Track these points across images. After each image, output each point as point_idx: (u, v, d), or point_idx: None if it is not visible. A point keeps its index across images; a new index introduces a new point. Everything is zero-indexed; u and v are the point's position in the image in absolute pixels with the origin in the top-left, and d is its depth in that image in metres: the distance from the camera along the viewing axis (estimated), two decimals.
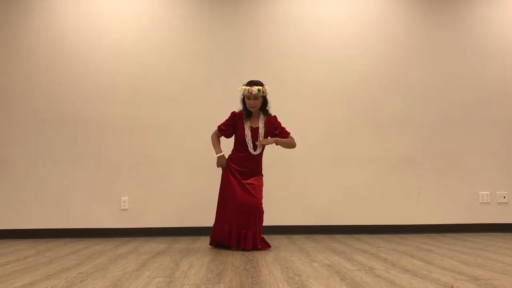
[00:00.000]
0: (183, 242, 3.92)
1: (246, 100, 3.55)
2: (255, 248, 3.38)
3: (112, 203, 4.53)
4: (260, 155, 3.66)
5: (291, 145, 3.61)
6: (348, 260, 2.89)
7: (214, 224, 3.60)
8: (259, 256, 3.10)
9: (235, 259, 2.98)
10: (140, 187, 4.55)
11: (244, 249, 3.37)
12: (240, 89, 3.54)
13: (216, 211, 3.59)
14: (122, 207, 4.53)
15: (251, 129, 3.57)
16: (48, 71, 4.65)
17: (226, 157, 3.65)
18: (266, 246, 3.53)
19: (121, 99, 4.65)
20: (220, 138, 3.71)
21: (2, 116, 4.58)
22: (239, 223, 3.40)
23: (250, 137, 3.55)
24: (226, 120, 3.65)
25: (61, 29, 4.70)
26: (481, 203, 4.73)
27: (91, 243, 3.97)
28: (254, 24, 4.83)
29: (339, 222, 4.60)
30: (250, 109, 3.56)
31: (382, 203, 4.67)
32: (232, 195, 3.46)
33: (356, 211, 4.63)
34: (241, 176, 3.54)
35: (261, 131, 3.57)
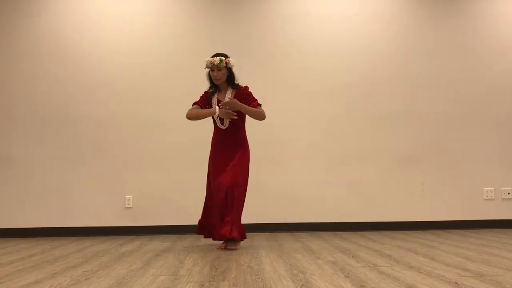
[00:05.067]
0: (187, 240, 3.93)
1: (210, 73, 3.44)
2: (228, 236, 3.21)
3: (116, 202, 4.55)
4: (237, 128, 3.46)
5: (257, 114, 3.40)
6: (352, 257, 2.89)
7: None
8: (263, 253, 3.11)
9: (239, 256, 2.98)
10: (144, 185, 4.56)
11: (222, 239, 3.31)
12: (204, 62, 3.43)
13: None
14: (126, 205, 4.54)
15: (218, 102, 3.44)
16: (52, 70, 4.66)
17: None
18: (241, 237, 3.37)
19: (125, 97, 4.66)
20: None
21: (7, 115, 4.60)
22: (217, 212, 3.30)
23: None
24: (201, 98, 3.55)
25: (64, 28, 4.71)
26: (485, 199, 4.71)
27: (95, 241, 3.98)
28: (257, 21, 4.83)
29: (343, 219, 4.60)
30: (214, 81, 3.44)
31: (386, 200, 4.66)
32: (209, 185, 3.49)
33: (360, 208, 4.63)
34: (225, 154, 3.41)
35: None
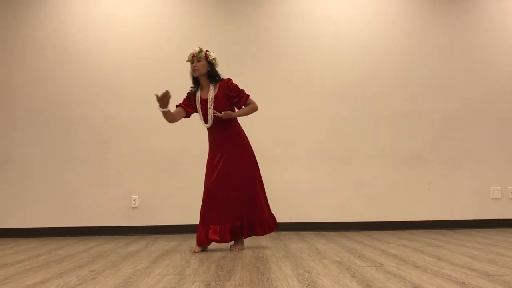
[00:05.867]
0: (193, 240, 3.93)
1: (190, 65, 3.37)
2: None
3: (122, 201, 4.56)
4: (226, 125, 3.34)
5: (251, 111, 3.35)
6: (358, 256, 2.88)
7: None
8: (269, 253, 3.11)
9: (245, 256, 2.98)
10: (150, 185, 4.58)
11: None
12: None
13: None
14: (132, 205, 4.55)
15: (201, 100, 3.37)
16: (56, 70, 4.69)
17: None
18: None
19: (131, 97, 4.67)
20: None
21: (12, 116, 4.63)
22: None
23: (199, 109, 3.37)
24: (184, 99, 3.48)
25: (67, 28, 4.73)
26: (492, 198, 4.69)
27: (101, 241, 4.00)
28: (260, 21, 4.83)
29: (349, 219, 4.59)
30: (193, 73, 3.35)
31: (391, 199, 4.65)
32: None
33: (365, 208, 4.62)
34: (219, 153, 3.33)
35: (211, 102, 3.30)
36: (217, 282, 2.14)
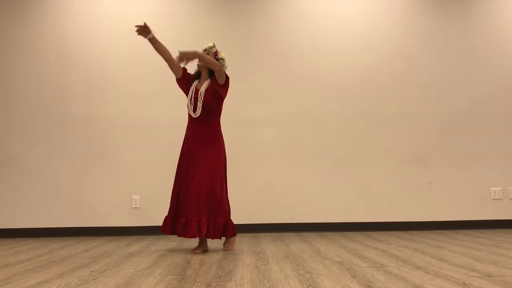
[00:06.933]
0: (194, 241, 3.93)
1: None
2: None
3: (123, 202, 4.56)
4: (211, 119, 3.36)
5: (214, 64, 3.24)
6: (359, 257, 2.88)
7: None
8: (270, 253, 3.11)
9: (246, 256, 2.98)
10: (151, 185, 4.58)
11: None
12: None
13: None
14: (133, 206, 4.56)
15: (195, 90, 3.36)
16: (60, 70, 4.69)
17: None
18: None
19: (132, 97, 4.68)
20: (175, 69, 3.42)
21: (14, 116, 4.63)
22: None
23: (191, 97, 3.35)
24: (187, 72, 3.48)
25: (69, 28, 4.73)
26: (493, 199, 4.68)
27: (103, 241, 4.00)
28: (263, 20, 4.83)
29: (350, 219, 4.59)
30: (198, 66, 3.38)
31: (393, 200, 4.64)
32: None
33: (366, 208, 4.62)
34: (195, 146, 3.32)
35: (201, 95, 3.30)
36: (218, 283, 2.14)
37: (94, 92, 4.68)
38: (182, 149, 3.47)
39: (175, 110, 4.64)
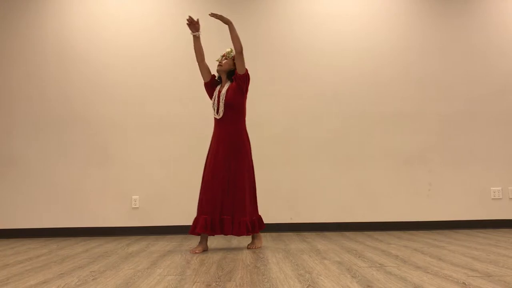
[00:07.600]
0: (193, 240, 3.93)
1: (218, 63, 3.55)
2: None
3: (123, 202, 4.56)
4: (234, 120, 3.44)
5: (239, 42, 3.40)
6: (359, 257, 2.88)
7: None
8: (270, 253, 3.11)
9: (245, 256, 2.98)
10: (150, 185, 4.58)
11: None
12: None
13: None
14: (133, 206, 4.55)
15: (218, 93, 3.49)
16: (58, 70, 4.69)
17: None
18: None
19: (131, 98, 4.68)
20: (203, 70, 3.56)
21: (14, 116, 4.63)
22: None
23: (215, 100, 3.46)
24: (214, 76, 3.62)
25: (69, 28, 4.73)
26: (492, 198, 4.68)
27: (102, 241, 4.00)
28: (263, 20, 4.83)
29: (350, 219, 4.59)
30: (217, 68, 3.52)
31: (392, 200, 4.64)
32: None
33: (366, 208, 4.62)
34: (222, 150, 3.38)
35: (223, 96, 3.41)
36: (217, 283, 2.14)
37: (94, 92, 4.68)
38: (209, 151, 3.53)
39: (175, 111, 4.66)
